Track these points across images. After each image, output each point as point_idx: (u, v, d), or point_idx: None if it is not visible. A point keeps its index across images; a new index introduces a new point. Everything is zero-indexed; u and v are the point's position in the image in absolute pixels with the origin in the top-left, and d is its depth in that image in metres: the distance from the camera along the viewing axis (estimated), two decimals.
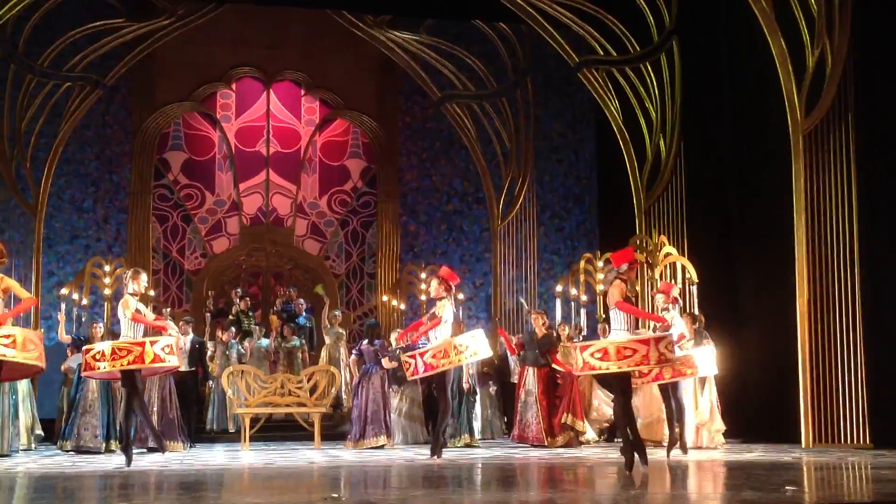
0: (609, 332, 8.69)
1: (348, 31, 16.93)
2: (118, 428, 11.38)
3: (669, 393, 10.16)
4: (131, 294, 9.11)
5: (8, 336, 8.13)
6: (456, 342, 9.48)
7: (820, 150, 11.56)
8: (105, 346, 8.98)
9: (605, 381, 11.50)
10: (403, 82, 17.74)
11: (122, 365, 8.79)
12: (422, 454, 10.34)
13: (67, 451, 11.03)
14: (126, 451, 9.09)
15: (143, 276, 9.32)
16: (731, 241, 13.96)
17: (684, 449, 10.10)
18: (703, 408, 11.34)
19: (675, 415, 10.12)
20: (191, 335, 12.54)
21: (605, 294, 8.99)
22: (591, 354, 8.27)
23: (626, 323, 8.36)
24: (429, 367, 9.42)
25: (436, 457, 9.52)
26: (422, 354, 9.49)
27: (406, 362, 9.79)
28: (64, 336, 12.17)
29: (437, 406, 10.31)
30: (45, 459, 10.20)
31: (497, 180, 17.29)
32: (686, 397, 11.39)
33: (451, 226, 17.72)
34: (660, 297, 10.23)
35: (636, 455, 8.21)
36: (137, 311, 9.12)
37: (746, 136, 13.78)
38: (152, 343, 8.89)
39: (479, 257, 17.64)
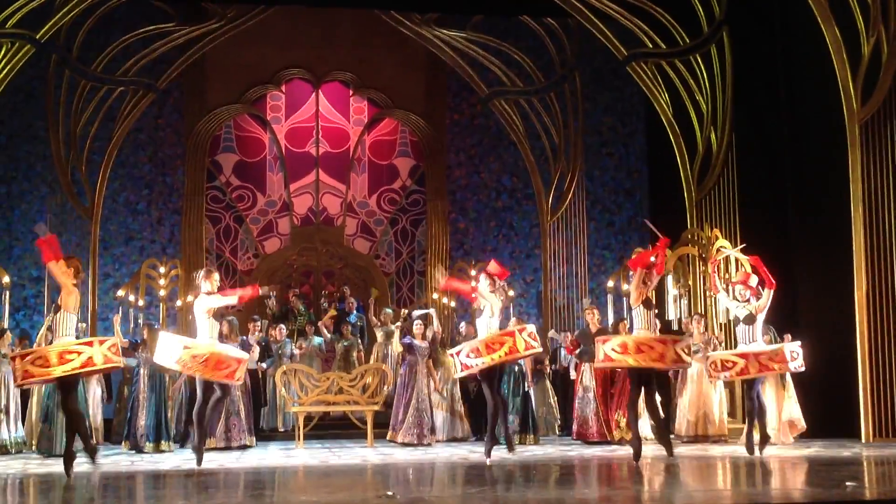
0: (631, 330, 9.28)
1: (395, 30, 16.97)
2: (167, 426, 11.58)
3: (749, 389, 9.75)
4: (206, 293, 9.02)
5: (113, 346, 8.49)
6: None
7: (877, 140, 11.36)
8: (207, 353, 8.80)
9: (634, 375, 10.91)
10: (451, 80, 17.74)
11: (222, 376, 8.84)
12: (475, 451, 10.34)
13: (129, 451, 11.18)
14: (198, 450, 9.03)
15: (216, 276, 9.23)
16: (786, 233, 13.75)
17: (751, 449, 9.54)
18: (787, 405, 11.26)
19: (755, 413, 9.63)
20: (258, 335, 12.65)
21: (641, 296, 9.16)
22: (612, 348, 8.93)
23: (647, 322, 9.04)
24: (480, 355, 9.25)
25: (488, 457, 9.43)
26: (477, 352, 9.09)
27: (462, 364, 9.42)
28: (123, 339, 12.35)
29: (483, 404, 10.28)
30: (104, 459, 10.35)
31: (546, 176, 17.22)
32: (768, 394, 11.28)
33: (500, 222, 17.68)
34: (739, 288, 9.87)
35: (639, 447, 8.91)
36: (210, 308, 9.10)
37: (800, 127, 13.56)
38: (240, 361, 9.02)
39: (530, 253, 17.58)
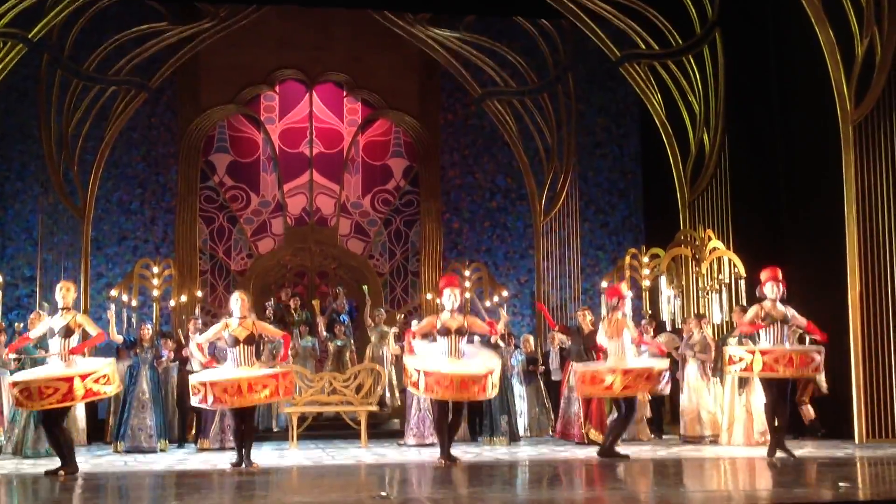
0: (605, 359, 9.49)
1: (389, 30, 16.94)
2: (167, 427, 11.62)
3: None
4: (240, 318, 8.87)
5: (104, 377, 8.39)
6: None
7: (870, 141, 11.37)
8: (242, 379, 8.60)
9: None
10: (444, 80, 17.72)
11: (264, 398, 8.75)
12: (469, 452, 10.34)
13: (121, 452, 11.14)
14: (240, 451, 8.97)
15: (234, 295, 9.06)
16: (779, 233, 13.77)
17: (772, 451, 9.29)
18: (739, 408, 11.20)
19: (782, 416, 9.39)
20: None
21: (615, 326, 9.33)
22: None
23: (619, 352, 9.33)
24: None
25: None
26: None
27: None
28: (116, 336, 12.28)
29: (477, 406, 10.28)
30: (97, 459, 10.33)
31: (540, 176, 17.22)
32: (725, 395, 11.31)
33: (494, 223, 17.68)
34: (770, 286, 9.32)
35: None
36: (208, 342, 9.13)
37: (794, 128, 13.58)
38: (284, 376, 8.81)
39: (523, 254, 17.58)
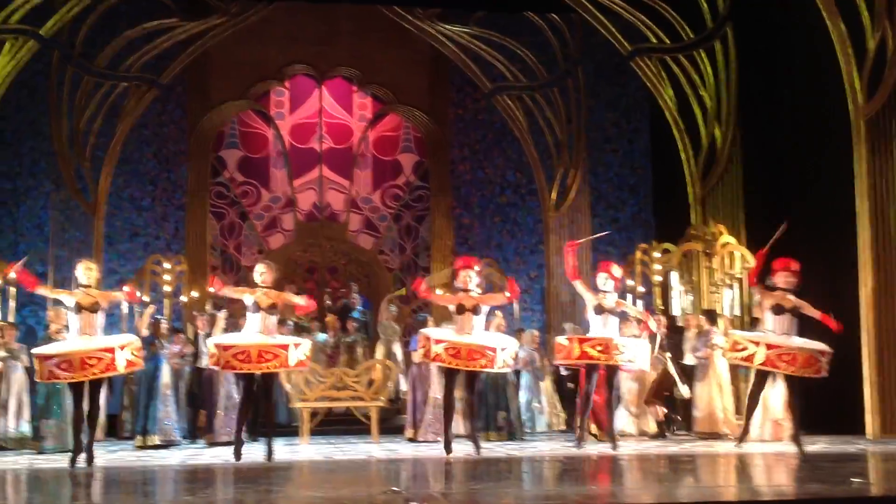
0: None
1: (399, 25, 16.95)
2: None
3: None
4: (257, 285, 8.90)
5: (140, 348, 8.65)
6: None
7: (882, 135, 11.31)
8: (251, 346, 8.66)
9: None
10: (454, 75, 17.72)
11: (265, 368, 8.70)
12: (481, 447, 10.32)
13: (152, 447, 11.09)
14: (238, 439, 9.03)
15: (258, 267, 9.08)
16: (791, 229, 13.70)
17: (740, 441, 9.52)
18: (774, 403, 11.11)
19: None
20: None
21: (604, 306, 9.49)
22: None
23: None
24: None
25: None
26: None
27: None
28: (144, 331, 12.31)
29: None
30: (110, 455, 10.36)
31: (550, 171, 17.21)
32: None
33: (504, 218, 17.67)
34: (781, 275, 9.29)
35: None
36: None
37: (805, 122, 13.51)
38: (296, 346, 8.79)
39: (534, 249, 17.57)
